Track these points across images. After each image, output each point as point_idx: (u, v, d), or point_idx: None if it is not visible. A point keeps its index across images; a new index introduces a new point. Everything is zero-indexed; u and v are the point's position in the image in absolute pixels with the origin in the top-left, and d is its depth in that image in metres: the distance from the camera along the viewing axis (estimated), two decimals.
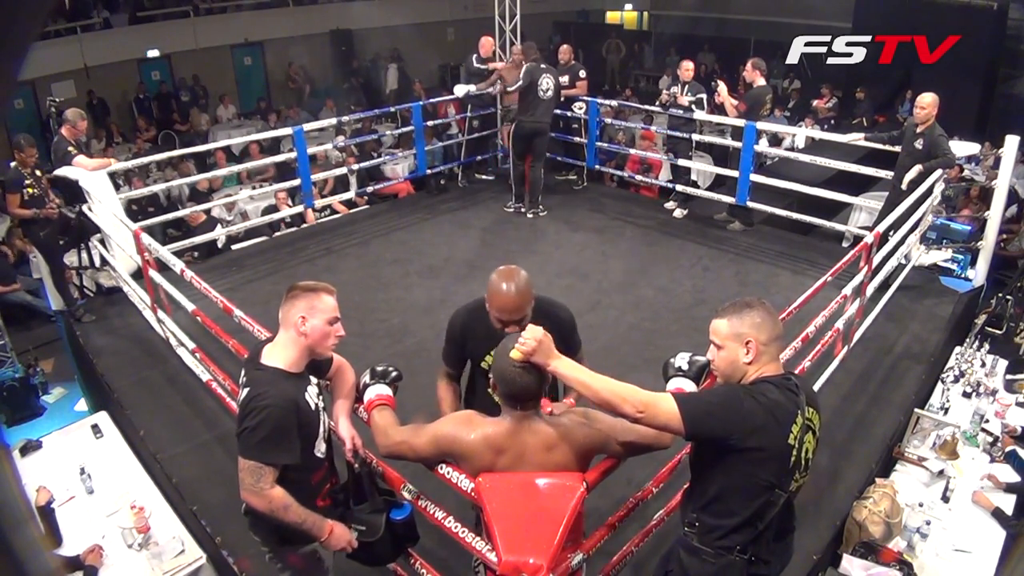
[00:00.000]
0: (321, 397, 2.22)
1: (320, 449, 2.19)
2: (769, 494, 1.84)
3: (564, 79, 7.10)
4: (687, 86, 6.59)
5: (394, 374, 2.30)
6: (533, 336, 1.86)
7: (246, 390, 2.05)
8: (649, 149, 8.76)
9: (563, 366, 1.88)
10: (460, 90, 7.21)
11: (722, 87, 6.52)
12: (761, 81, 6.31)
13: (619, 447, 2.00)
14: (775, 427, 1.80)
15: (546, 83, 6.52)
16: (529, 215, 6.85)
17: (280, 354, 2.09)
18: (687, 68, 6.68)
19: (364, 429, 2.26)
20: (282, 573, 2.31)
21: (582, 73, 7.36)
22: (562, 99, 7.04)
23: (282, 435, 1.98)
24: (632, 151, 8.23)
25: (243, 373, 2.14)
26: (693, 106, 6.53)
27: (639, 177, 7.89)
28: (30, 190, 4.78)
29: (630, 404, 1.80)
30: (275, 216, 6.84)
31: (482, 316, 2.38)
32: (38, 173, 4.89)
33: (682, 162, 6.87)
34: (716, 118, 6.67)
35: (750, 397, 1.81)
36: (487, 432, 1.94)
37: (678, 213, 6.91)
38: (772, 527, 1.92)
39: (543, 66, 6.61)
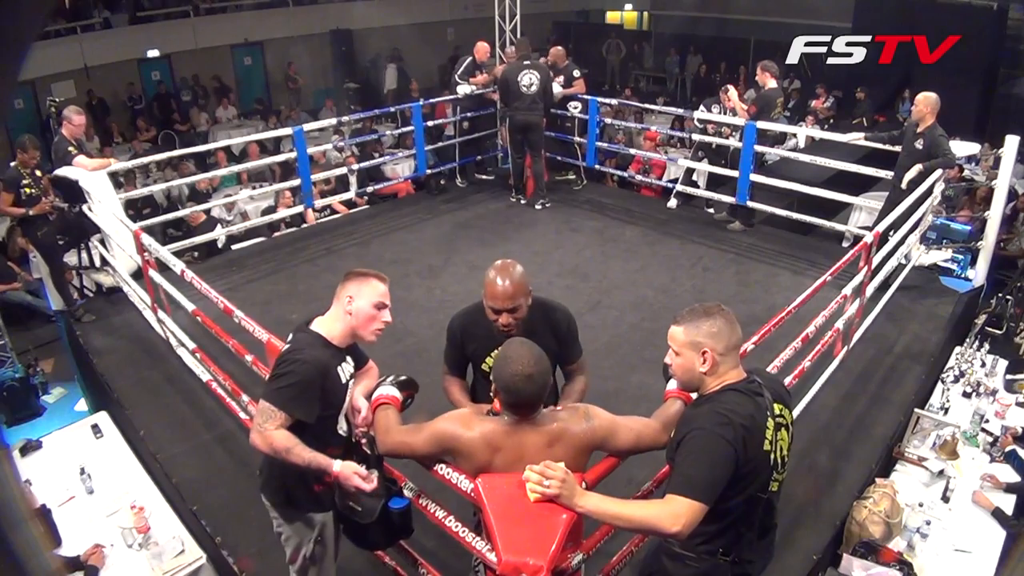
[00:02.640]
0: (352, 379, 2.30)
1: (342, 427, 2.26)
2: (752, 500, 1.88)
3: (559, 80, 7.10)
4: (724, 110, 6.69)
5: (403, 379, 2.30)
6: (556, 476, 1.77)
7: (287, 346, 2.19)
8: (651, 150, 8.75)
9: (591, 503, 1.78)
10: (462, 89, 7.21)
11: (732, 92, 6.53)
12: (772, 83, 6.29)
13: (619, 444, 2.01)
14: (753, 443, 1.82)
15: (527, 79, 6.56)
16: (537, 207, 6.97)
17: (326, 325, 2.22)
18: (731, 97, 6.66)
19: None
20: (288, 542, 2.34)
21: (576, 72, 7.35)
22: (558, 99, 7.05)
23: (304, 391, 2.07)
24: (634, 151, 8.22)
25: (290, 335, 2.25)
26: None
27: (639, 177, 7.88)
28: (28, 190, 4.77)
29: (668, 521, 1.72)
30: (275, 216, 6.84)
31: (480, 318, 2.40)
32: (38, 173, 4.88)
33: (713, 169, 6.84)
34: (719, 118, 6.67)
35: (724, 428, 1.77)
36: (485, 430, 1.95)
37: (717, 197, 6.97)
38: (755, 528, 1.94)
39: (526, 63, 6.65)
